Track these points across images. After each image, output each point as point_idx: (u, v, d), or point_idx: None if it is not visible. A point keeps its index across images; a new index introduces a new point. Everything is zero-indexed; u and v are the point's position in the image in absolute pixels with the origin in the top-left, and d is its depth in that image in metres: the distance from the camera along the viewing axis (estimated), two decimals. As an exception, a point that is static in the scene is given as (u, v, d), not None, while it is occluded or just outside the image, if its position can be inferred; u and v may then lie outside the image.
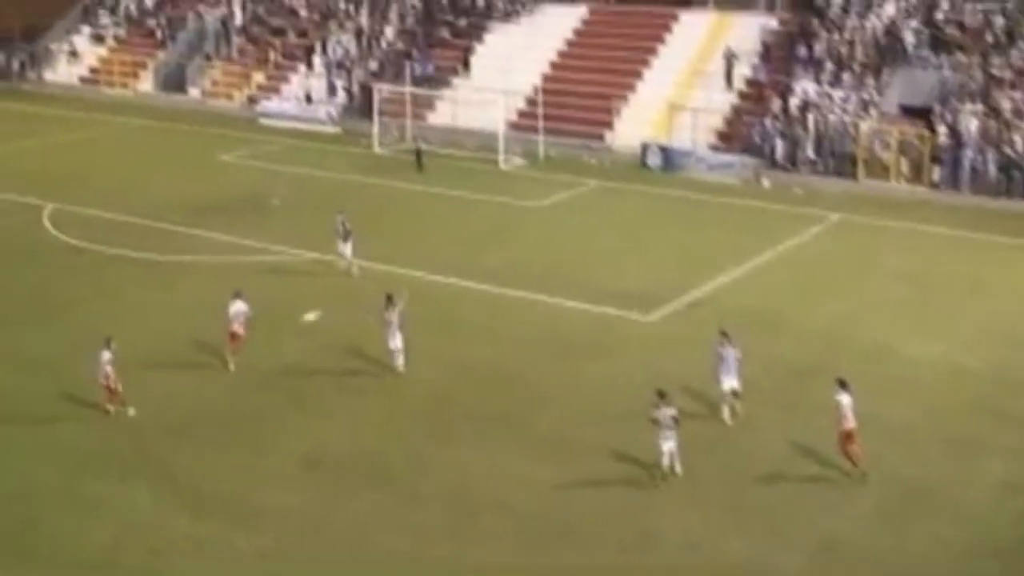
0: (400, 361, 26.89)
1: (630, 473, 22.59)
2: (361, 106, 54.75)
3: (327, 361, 27.85)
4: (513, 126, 50.42)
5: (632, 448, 23.09)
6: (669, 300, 31.32)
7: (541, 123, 48.84)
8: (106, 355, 24.97)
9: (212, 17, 65.24)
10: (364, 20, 60.70)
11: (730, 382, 24.30)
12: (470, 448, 23.86)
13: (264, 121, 55.84)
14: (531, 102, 51.15)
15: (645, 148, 46.95)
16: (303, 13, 63.51)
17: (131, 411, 25.06)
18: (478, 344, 28.88)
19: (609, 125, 50.32)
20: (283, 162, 47.76)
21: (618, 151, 48.72)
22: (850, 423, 22.21)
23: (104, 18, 68.95)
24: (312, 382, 26.80)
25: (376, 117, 50.35)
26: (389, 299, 27.00)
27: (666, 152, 46.53)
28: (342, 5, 62.52)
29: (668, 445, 22.17)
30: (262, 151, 50.03)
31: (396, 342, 26.77)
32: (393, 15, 60.43)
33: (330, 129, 54.02)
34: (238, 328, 27.06)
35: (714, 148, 47.25)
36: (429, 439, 24.21)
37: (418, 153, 46.58)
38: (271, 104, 57.21)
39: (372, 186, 44.20)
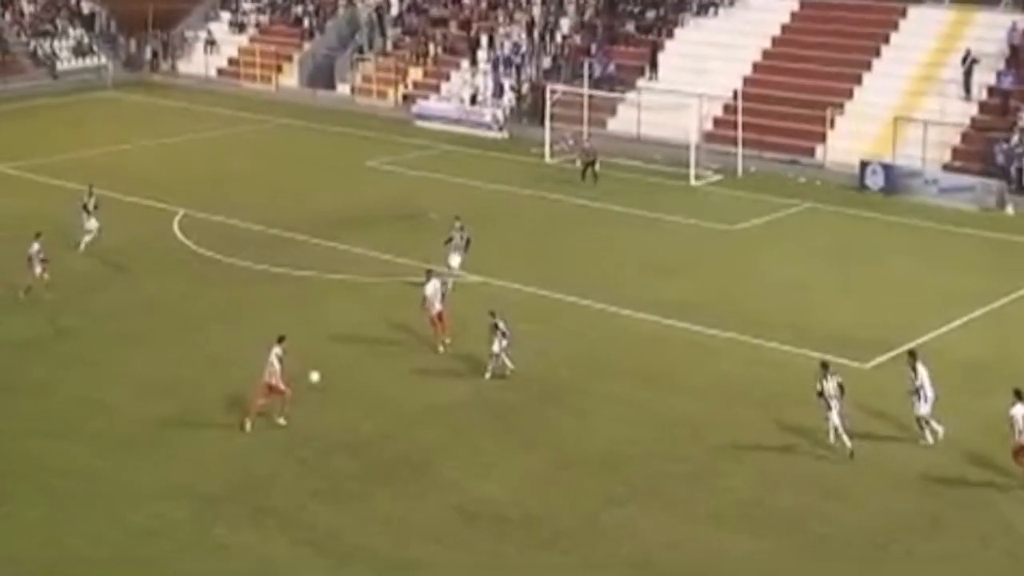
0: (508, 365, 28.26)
1: (837, 540, 22.07)
2: (531, 109, 55.17)
3: (489, 401, 27.99)
4: (707, 136, 50.30)
5: (841, 513, 22.52)
6: (890, 346, 30.60)
7: (740, 133, 48.59)
8: (276, 350, 26.15)
9: (365, 5, 66.58)
10: (536, 11, 61.16)
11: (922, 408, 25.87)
12: (651, 510, 23.65)
13: (420, 123, 56.62)
14: (729, 109, 50.93)
15: (864, 166, 46.40)
16: (467, 1, 64.38)
17: (282, 421, 26.22)
18: (658, 389, 28.72)
19: (821, 138, 49.82)
20: (440, 170, 48.44)
21: (831, 169, 48.25)
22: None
23: (246, 4, 70.90)
24: (470, 425, 26.96)
25: (548, 122, 50.69)
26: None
27: (889, 171, 45.86)
28: None
29: (833, 417, 24.99)
30: (417, 157, 50.76)
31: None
32: (570, 6, 60.74)
33: (495, 134, 54.55)
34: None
35: (948, 168, 46.43)
36: (603, 498, 24.08)
37: (588, 162, 46.69)
38: (429, 104, 57.95)
39: (540, 201, 44.51)
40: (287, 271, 36.18)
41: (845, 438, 25.39)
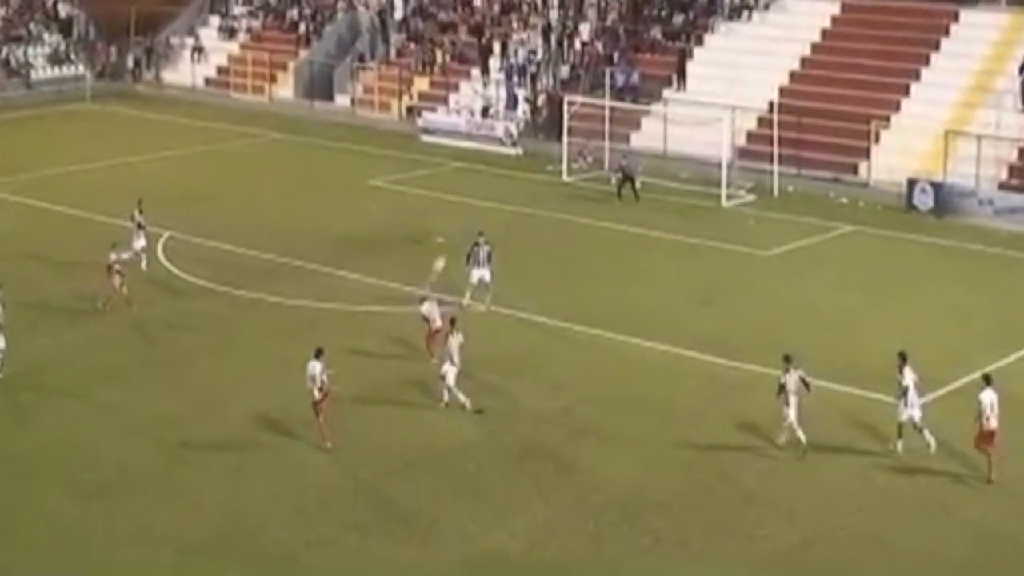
0: (464, 397, 29.41)
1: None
2: (548, 123, 55.42)
3: (501, 442, 28.09)
4: (740, 152, 50.43)
5: (887, 562, 22.49)
6: (942, 382, 30.59)
7: (776, 149, 48.75)
8: (317, 366, 27.08)
9: (367, 9, 66.90)
10: (554, 15, 61.42)
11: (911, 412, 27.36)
12: (678, 561, 23.62)
13: (427, 138, 56.88)
14: (765, 122, 51.09)
15: (912, 185, 46.55)
16: (478, 3, 64.68)
17: (328, 445, 27.11)
18: (689, 428, 28.74)
19: (865, 154, 49.88)
20: (448, 190, 48.66)
21: (876, 188, 48.38)
22: (992, 423, 26.06)
23: (237, 7, 71.41)
24: (479, 468, 27.01)
25: (566, 137, 50.84)
26: (452, 322, 29.94)
27: (940, 191, 45.99)
28: None
29: (790, 413, 26.82)
30: (423, 175, 51.01)
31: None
32: (591, 9, 60.97)
33: (508, 150, 54.77)
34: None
35: (1004, 187, 46.48)
36: (626, 547, 24.04)
37: (626, 179, 47.00)
38: (436, 117, 58.22)
39: (558, 223, 44.72)
40: (282, 300, 36.40)
41: (800, 433, 27.01)
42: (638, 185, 46.96)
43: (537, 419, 29.02)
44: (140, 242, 37.93)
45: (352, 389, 29.33)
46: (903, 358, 27.54)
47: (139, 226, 38.16)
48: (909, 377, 27.28)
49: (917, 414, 27.22)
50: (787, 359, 27.47)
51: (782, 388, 27.25)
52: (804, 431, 27.18)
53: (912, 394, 27.16)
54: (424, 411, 29.45)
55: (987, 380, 26.77)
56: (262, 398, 29.71)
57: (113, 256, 35.21)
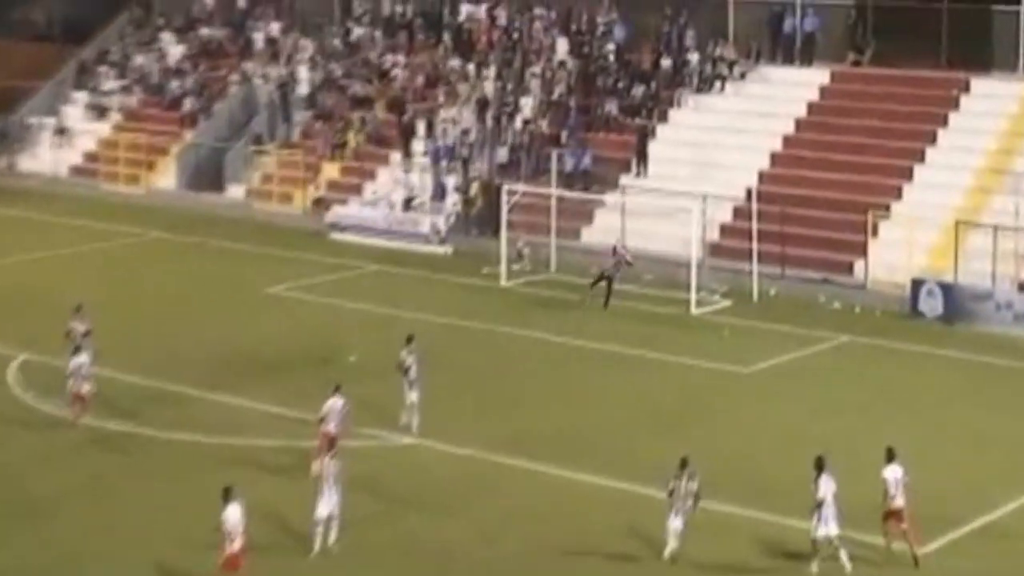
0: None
1: None
2: (483, 216, 55.95)
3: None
4: (713, 249, 50.98)
5: None
6: (957, 523, 31.02)
7: (756, 245, 49.13)
8: (235, 511, 26.83)
9: (265, 81, 67.25)
10: (489, 87, 61.88)
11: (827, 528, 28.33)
12: None
13: (337, 236, 57.26)
14: (741, 213, 51.58)
15: (917, 287, 46.99)
16: (398, 73, 64.97)
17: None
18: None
19: (861, 250, 50.35)
20: (363, 298, 48.75)
21: (875, 290, 48.98)
22: (898, 501, 28.15)
23: (108, 81, 71.43)
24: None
25: (504, 233, 51.05)
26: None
27: (950, 293, 46.36)
28: (456, 63, 63.77)
29: (676, 524, 28.21)
30: (333, 280, 51.16)
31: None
32: (534, 80, 61.42)
33: (436, 249, 55.20)
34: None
35: (1027, 289, 46.83)
36: None
37: (603, 278, 47.36)
38: (348, 211, 58.57)
39: (495, 336, 45.01)
40: (162, 434, 36.30)
41: (673, 543, 28.64)
42: (612, 288, 47.30)
43: (469, 572, 29.00)
44: (82, 358, 37.40)
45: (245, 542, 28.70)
46: (820, 465, 28.32)
47: (73, 338, 38.12)
48: (826, 487, 28.11)
49: (834, 531, 28.13)
50: (683, 464, 28.74)
51: (671, 494, 28.56)
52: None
53: (828, 508, 28.01)
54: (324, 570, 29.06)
55: (890, 456, 28.82)
56: (139, 551, 29.42)
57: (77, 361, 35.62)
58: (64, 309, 46.35)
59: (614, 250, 48.18)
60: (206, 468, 33.71)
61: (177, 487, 32.91)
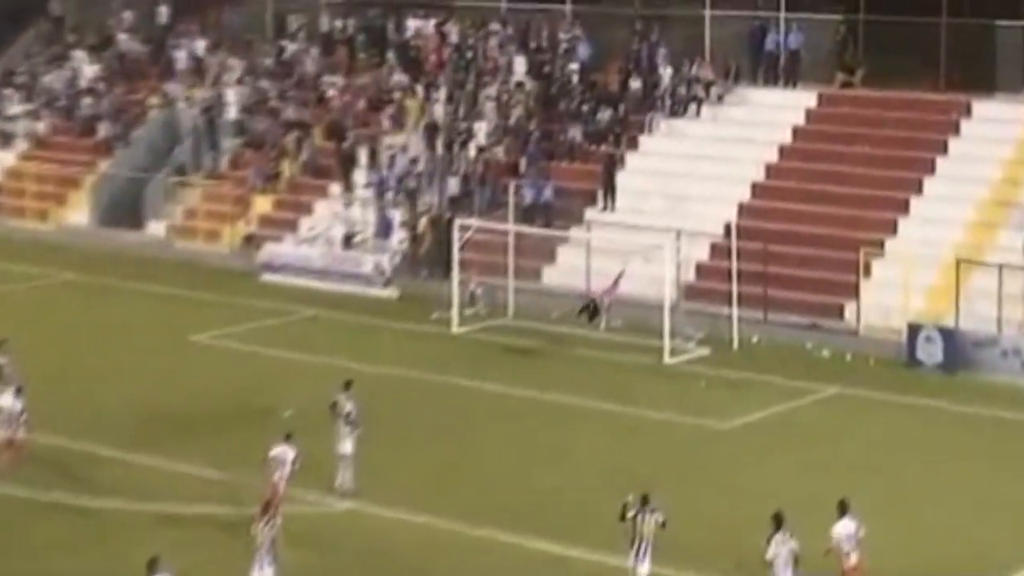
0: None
1: None
2: (432, 255, 55.61)
3: None
4: (688, 291, 51.00)
5: None
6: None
7: (736, 287, 49.12)
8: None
9: (189, 105, 66.95)
10: (440, 110, 61.93)
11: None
12: None
13: (269, 277, 57.03)
14: (720, 251, 51.73)
15: (914, 332, 47.10)
16: (335, 95, 64.99)
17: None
18: None
19: (852, 292, 50.35)
20: (299, 346, 48.66)
21: (868, 336, 49.04)
22: (852, 559, 28.64)
23: (13, 106, 71.26)
24: None
25: (456, 273, 50.94)
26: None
27: (950, 339, 46.53)
28: (402, 79, 63.79)
29: (643, 570, 28.83)
30: (265, 327, 51.09)
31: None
32: (489, 104, 61.43)
33: (380, 292, 55.08)
34: None
35: (1037, 333, 47.10)
36: None
37: (590, 306, 48.19)
38: (282, 250, 58.47)
39: (446, 388, 44.92)
40: (73, 500, 35.71)
41: None
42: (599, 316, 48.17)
43: None
44: (7, 399, 37.61)
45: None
46: (777, 523, 28.54)
47: None
48: (781, 545, 28.32)
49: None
50: (645, 500, 29.15)
51: (633, 522, 29.10)
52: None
53: (784, 570, 28.16)
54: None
55: (843, 509, 29.19)
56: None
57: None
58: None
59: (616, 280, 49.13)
60: (130, 538, 33.51)
61: (98, 557, 32.56)
